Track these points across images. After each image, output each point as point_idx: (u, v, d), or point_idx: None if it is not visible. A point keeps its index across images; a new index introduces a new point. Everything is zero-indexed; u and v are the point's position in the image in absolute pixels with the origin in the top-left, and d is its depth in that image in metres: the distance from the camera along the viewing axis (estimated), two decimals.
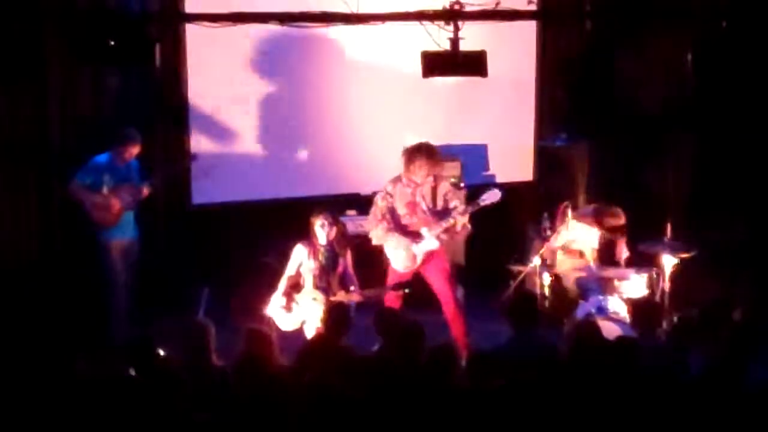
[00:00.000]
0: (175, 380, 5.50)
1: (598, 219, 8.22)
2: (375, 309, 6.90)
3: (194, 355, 5.82)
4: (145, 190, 7.88)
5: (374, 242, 7.73)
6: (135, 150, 7.80)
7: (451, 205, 7.59)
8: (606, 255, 8.38)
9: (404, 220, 7.63)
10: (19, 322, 7.60)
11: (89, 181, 7.73)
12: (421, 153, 7.53)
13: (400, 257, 7.62)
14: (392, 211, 7.63)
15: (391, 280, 7.67)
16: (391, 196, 7.63)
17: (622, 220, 8.19)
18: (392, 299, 7.60)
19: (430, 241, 7.56)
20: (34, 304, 7.95)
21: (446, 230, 7.56)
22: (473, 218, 7.68)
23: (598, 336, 5.88)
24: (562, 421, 4.98)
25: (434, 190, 7.62)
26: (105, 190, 7.74)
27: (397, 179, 7.65)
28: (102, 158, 7.79)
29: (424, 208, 7.59)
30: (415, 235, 7.58)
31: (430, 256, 7.62)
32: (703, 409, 5.02)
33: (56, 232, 8.33)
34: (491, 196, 7.51)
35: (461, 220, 7.52)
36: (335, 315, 6.43)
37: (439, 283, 7.69)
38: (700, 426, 4.98)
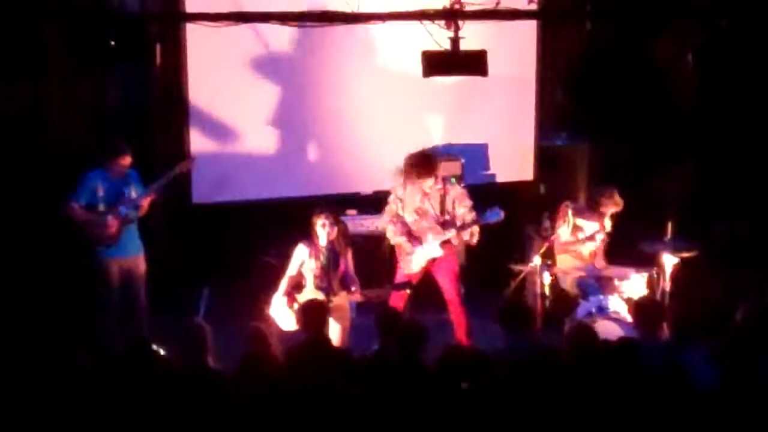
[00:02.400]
0: (175, 380, 5.51)
1: (596, 204, 8.26)
2: (376, 310, 6.89)
3: (192, 356, 5.80)
4: (147, 200, 7.59)
5: (390, 239, 7.82)
6: (126, 161, 7.48)
7: (458, 212, 7.63)
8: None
9: (413, 225, 7.70)
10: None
11: (84, 200, 7.46)
12: (418, 166, 7.54)
13: (407, 260, 7.71)
14: (401, 216, 7.70)
15: (398, 278, 7.75)
16: (401, 200, 7.70)
17: (619, 205, 8.22)
18: (397, 298, 7.64)
19: (433, 249, 7.63)
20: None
21: (455, 237, 7.63)
22: None
23: (594, 339, 5.87)
24: (563, 421, 4.98)
25: (443, 197, 7.65)
26: (101, 207, 7.49)
27: (406, 183, 7.69)
28: (93, 174, 7.51)
29: (433, 214, 7.64)
30: (420, 241, 7.65)
31: (436, 261, 7.69)
32: (708, 408, 5.02)
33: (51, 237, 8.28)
34: (493, 216, 7.54)
35: (466, 235, 7.59)
36: (309, 313, 6.44)
37: (446, 284, 7.76)
38: (705, 425, 4.99)
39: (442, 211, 7.65)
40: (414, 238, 7.66)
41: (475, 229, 7.62)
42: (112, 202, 7.52)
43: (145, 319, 7.71)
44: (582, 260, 8.32)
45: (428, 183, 7.57)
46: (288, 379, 5.50)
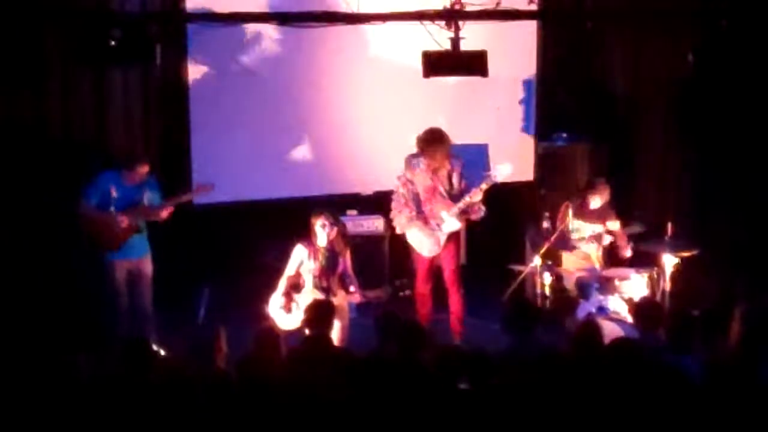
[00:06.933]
0: (177, 380, 5.50)
1: (586, 197, 8.30)
2: (375, 310, 6.90)
3: (202, 358, 5.77)
4: (164, 213, 7.49)
5: (398, 231, 7.88)
6: (144, 170, 7.43)
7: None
8: (609, 255, 8.41)
9: (424, 205, 7.75)
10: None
11: (96, 201, 7.38)
12: (438, 138, 7.68)
13: (425, 243, 7.77)
14: (416, 197, 7.75)
15: (419, 267, 7.84)
16: (412, 183, 7.75)
17: (604, 192, 8.26)
18: (423, 289, 7.82)
19: (451, 222, 7.69)
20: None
21: (465, 209, 7.70)
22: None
23: (599, 337, 5.88)
24: (564, 421, 4.98)
25: (450, 173, 7.75)
26: (113, 210, 7.37)
27: (414, 165, 7.76)
28: (108, 176, 7.44)
29: (442, 191, 7.71)
30: (436, 219, 7.70)
31: (449, 239, 7.74)
32: (710, 409, 5.01)
33: (53, 239, 8.23)
34: (504, 172, 7.68)
35: (477, 198, 7.63)
36: (316, 312, 6.45)
37: (448, 265, 7.85)
38: (706, 427, 4.98)
39: (451, 186, 7.73)
40: (431, 218, 7.72)
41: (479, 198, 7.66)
42: (126, 208, 7.42)
43: (151, 321, 7.61)
44: (589, 261, 8.33)
45: (434, 160, 7.64)
46: (288, 379, 5.50)
